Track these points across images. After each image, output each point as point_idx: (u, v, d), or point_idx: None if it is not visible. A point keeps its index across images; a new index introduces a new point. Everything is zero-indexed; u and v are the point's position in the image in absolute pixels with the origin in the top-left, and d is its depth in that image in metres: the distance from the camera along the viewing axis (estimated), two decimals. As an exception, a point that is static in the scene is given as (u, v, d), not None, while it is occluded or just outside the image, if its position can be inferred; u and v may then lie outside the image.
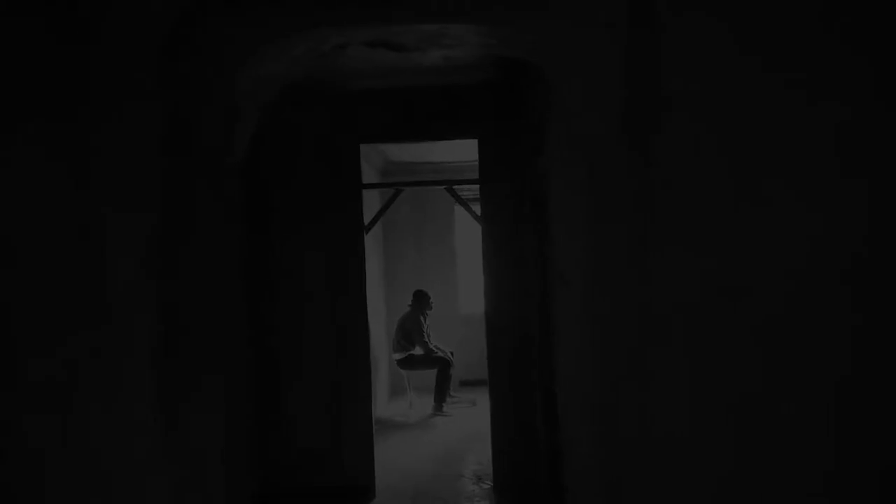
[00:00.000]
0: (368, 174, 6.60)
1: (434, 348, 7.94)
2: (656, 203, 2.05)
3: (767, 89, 2.03)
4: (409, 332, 7.90)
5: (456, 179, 6.04)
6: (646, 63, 2.07)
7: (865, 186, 1.99)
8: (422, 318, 7.96)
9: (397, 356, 7.99)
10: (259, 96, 2.47)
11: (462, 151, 6.65)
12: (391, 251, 9.30)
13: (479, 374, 8.00)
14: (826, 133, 2.01)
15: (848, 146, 2.00)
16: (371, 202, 6.63)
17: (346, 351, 4.87)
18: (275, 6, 2.19)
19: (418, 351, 7.90)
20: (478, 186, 5.09)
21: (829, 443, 2.01)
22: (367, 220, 5.21)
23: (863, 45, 2.01)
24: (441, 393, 7.77)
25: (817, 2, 1.90)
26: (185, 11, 2.09)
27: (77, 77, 2.06)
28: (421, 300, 8.05)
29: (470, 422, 7.23)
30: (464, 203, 5.88)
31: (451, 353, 8.09)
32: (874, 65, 1.99)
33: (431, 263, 9.38)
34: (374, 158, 7.75)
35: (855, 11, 1.86)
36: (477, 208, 5.26)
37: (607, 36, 2.12)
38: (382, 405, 8.02)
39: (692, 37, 2.02)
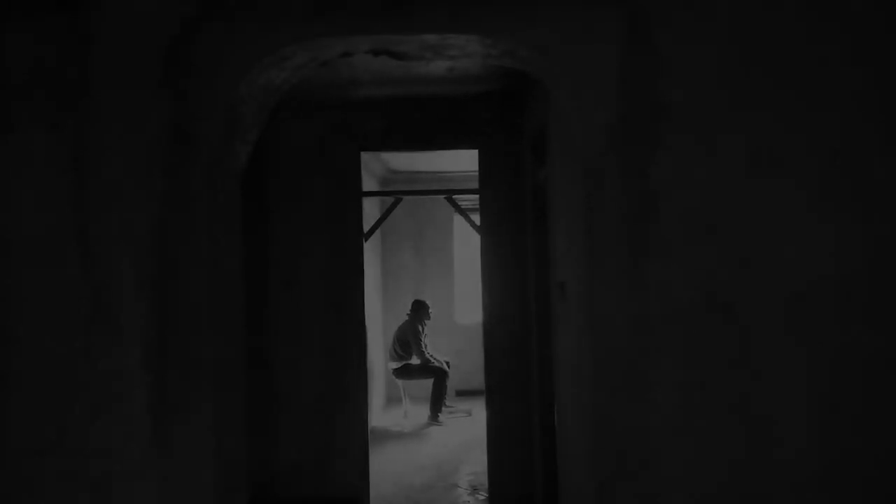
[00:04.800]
0: (368, 182, 6.60)
1: (430, 358, 7.92)
2: (650, 216, 2.06)
3: (757, 107, 2.04)
4: (406, 341, 7.89)
5: (455, 189, 6.04)
6: (640, 77, 2.09)
7: (861, 207, 2.00)
8: (420, 328, 7.95)
9: (393, 365, 7.97)
10: (260, 104, 2.47)
11: (462, 161, 6.66)
12: (389, 259, 9.30)
13: (475, 384, 7.99)
14: (824, 148, 2.02)
15: (846, 162, 2.01)
16: (370, 210, 6.63)
17: (343, 360, 4.85)
18: (276, 16, 2.19)
19: (415, 360, 7.89)
20: (477, 196, 5.10)
21: (824, 457, 2.01)
22: (366, 227, 5.21)
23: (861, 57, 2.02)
24: (437, 403, 7.75)
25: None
26: (185, 20, 2.09)
27: (78, 83, 2.07)
28: (420, 310, 8.04)
29: (465, 432, 7.21)
30: (463, 213, 5.88)
31: (448, 363, 8.08)
32: (871, 77, 2.00)
33: (429, 272, 9.38)
34: (374, 167, 7.77)
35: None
36: (476, 218, 5.26)
37: (602, 49, 2.14)
38: (377, 414, 8.00)
39: (687, 53, 2.04)
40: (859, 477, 2.01)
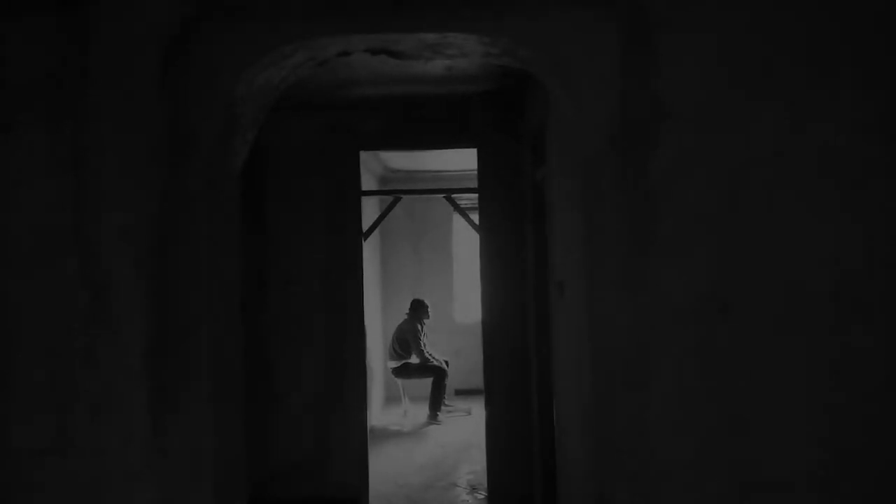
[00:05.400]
0: (367, 181, 6.60)
1: (430, 357, 7.92)
2: (649, 216, 2.06)
3: (756, 108, 2.04)
4: (405, 340, 7.89)
5: (455, 188, 6.04)
6: (640, 77, 2.09)
7: (862, 207, 2.01)
8: (419, 327, 7.96)
9: (392, 364, 7.97)
10: (258, 103, 2.46)
11: (461, 160, 6.66)
12: (388, 258, 9.30)
13: (474, 384, 7.99)
14: (824, 148, 2.02)
15: (846, 162, 2.01)
16: (369, 209, 6.63)
17: (342, 359, 4.85)
18: (275, 16, 2.19)
19: (414, 359, 7.89)
20: (476, 195, 5.10)
21: (824, 457, 2.01)
22: (364, 226, 5.21)
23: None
24: (436, 402, 7.75)
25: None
26: (184, 20, 2.09)
27: (77, 82, 2.07)
28: (418, 309, 8.04)
29: (464, 431, 7.22)
30: (462, 212, 5.88)
31: (447, 363, 8.08)
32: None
33: (429, 271, 9.38)
34: (373, 166, 7.76)
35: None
36: (475, 217, 5.26)
37: (602, 49, 2.14)
38: (377, 413, 8.00)
39: (686, 53, 2.04)
40: (860, 477, 2.01)
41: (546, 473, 4.11)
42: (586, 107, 2.21)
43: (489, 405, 4.93)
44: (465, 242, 9.02)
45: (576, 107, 2.26)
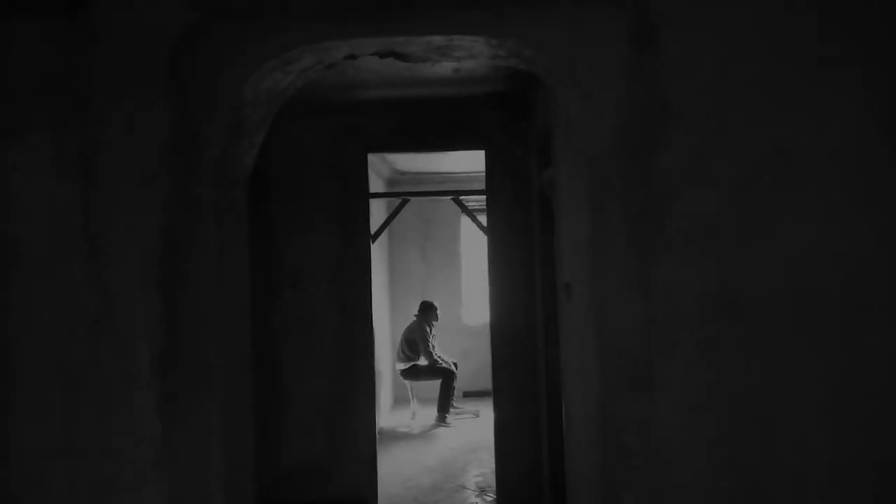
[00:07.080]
0: (375, 183, 6.61)
1: (438, 359, 7.92)
2: (656, 217, 2.06)
3: (762, 108, 2.03)
4: (414, 342, 7.89)
5: (462, 190, 6.04)
6: (646, 78, 2.09)
7: (870, 207, 2.00)
8: (427, 329, 7.95)
9: (401, 366, 7.97)
10: (265, 107, 2.47)
11: (469, 162, 6.66)
12: (396, 260, 9.30)
13: (482, 386, 7.98)
14: (831, 149, 2.01)
15: (853, 162, 2.00)
16: (377, 211, 6.64)
17: (350, 361, 4.86)
18: (281, 19, 2.19)
19: (422, 361, 7.89)
20: (484, 197, 5.10)
21: (832, 459, 2.00)
22: (372, 228, 5.22)
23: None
24: (444, 404, 7.75)
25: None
26: (190, 23, 2.10)
27: (83, 86, 2.08)
28: (427, 311, 8.04)
29: (473, 433, 7.21)
30: (470, 214, 5.87)
31: (455, 364, 8.07)
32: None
33: (437, 273, 9.38)
34: (381, 168, 7.77)
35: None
36: (483, 219, 5.26)
37: (608, 50, 2.13)
38: (385, 415, 8.00)
39: (692, 54, 2.04)
40: (869, 479, 1.99)
41: (555, 475, 4.09)
42: (592, 108, 2.21)
43: (497, 407, 4.92)
44: (473, 244, 9.02)
45: (582, 108, 2.26)
